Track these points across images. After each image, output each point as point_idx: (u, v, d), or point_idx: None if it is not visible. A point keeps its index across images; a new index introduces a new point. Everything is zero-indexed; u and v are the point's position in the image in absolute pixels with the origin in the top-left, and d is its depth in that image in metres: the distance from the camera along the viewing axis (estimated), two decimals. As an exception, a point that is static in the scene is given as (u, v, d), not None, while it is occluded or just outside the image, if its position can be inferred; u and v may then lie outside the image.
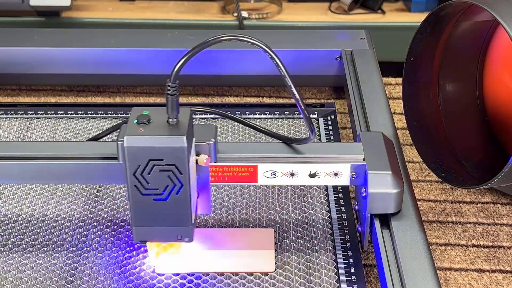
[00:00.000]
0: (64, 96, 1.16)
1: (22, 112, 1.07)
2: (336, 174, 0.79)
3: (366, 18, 1.41)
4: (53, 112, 1.07)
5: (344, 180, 0.79)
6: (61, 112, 1.07)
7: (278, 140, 0.82)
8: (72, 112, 1.07)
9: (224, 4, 1.45)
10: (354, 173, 0.78)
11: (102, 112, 1.07)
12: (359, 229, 0.82)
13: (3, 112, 1.07)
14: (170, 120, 0.71)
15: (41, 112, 1.07)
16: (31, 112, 1.07)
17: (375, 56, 1.10)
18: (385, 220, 0.78)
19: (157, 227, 0.74)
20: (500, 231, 0.88)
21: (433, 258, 0.74)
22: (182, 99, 1.15)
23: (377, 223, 0.78)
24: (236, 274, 0.79)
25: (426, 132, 0.94)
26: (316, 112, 1.07)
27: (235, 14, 1.40)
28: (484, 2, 0.80)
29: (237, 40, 0.72)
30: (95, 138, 0.90)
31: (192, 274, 0.79)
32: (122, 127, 0.73)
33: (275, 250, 0.82)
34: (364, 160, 0.79)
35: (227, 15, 1.42)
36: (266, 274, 0.79)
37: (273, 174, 0.79)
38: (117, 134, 1.00)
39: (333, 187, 0.92)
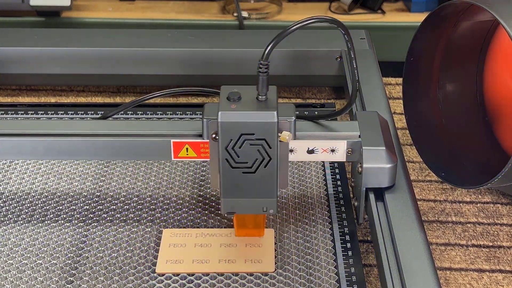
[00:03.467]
0: (64, 96, 1.16)
1: (22, 112, 1.07)
2: (333, 150, 0.82)
3: (366, 18, 1.41)
4: (53, 112, 1.07)
5: (340, 156, 0.82)
6: (61, 112, 1.07)
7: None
8: (72, 112, 1.07)
9: (224, 4, 1.45)
10: (350, 150, 0.81)
11: (102, 112, 1.06)
12: (355, 203, 0.84)
13: (3, 112, 1.07)
14: (260, 97, 0.75)
15: (41, 112, 1.07)
16: (31, 112, 1.07)
17: (375, 56, 1.10)
18: (380, 194, 0.81)
19: (244, 199, 0.78)
20: (500, 231, 0.88)
21: (433, 258, 0.74)
22: (182, 99, 1.16)
23: (371, 197, 0.81)
24: (236, 274, 0.79)
25: (426, 132, 0.94)
26: (316, 112, 1.07)
27: (235, 14, 1.40)
28: (484, 2, 0.80)
29: (333, 23, 0.76)
30: (104, 117, 0.91)
31: (192, 274, 0.79)
32: (206, 106, 0.78)
33: (275, 250, 0.82)
34: (359, 137, 0.81)
35: (227, 15, 1.42)
36: (266, 274, 0.79)
37: None
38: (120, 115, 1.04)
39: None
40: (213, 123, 0.76)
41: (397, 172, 0.82)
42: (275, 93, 0.76)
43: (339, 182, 0.92)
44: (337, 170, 0.94)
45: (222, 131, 0.74)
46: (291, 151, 0.81)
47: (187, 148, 0.81)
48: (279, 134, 0.77)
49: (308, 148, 0.82)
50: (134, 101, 0.91)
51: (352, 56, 0.79)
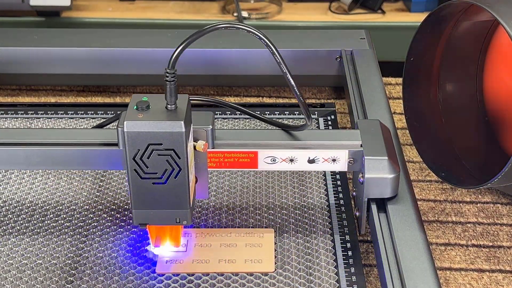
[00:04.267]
0: (64, 96, 1.16)
1: (22, 112, 1.07)
2: (334, 160, 0.81)
3: (366, 18, 1.41)
4: (53, 112, 1.07)
5: (341, 165, 0.81)
6: (61, 112, 1.07)
7: (277, 128, 0.83)
8: (72, 112, 1.07)
9: (224, 4, 1.45)
10: (351, 159, 0.80)
11: (102, 112, 1.07)
12: (357, 214, 0.83)
13: (3, 112, 1.07)
14: (169, 106, 0.73)
15: (41, 112, 1.07)
16: (31, 112, 1.07)
17: (375, 56, 1.10)
18: (382, 204, 0.80)
19: (157, 210, 0.76)
20: (500, 231, 0.88)
21: (433, 258, 0.74)
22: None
23: (374, 207, 0.80)
24: (236, 274, 0.79)
25: (426, 132, 0.94)
26: (316, 112, 1.07)
27: (235, 14, 1.40)
28: (484, 2, 0.80)
29: (233, 28, 0.73)
30: (100, 126, 0.91)
31: (192, 274, 0.79)
32: (122, 114, 0.76)
33: (275, 250, 0.82)
34: (361, 146, 0.80)
35: (227, 15, 1.42)
36: (266, 274, 0.79)
37: (273, 160, 0.81)
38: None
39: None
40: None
41: (400, 182, 0.81)
42: (186, 102, 0.74)
43: (339, 182, 0.93)
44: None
45: (129, 141, 0.72)
46: (291, 160, 0.81)
47: None
48: (194, 143, 0.76)
49: (309, 158, 0.80)
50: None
51: (279, 60, 0.74)
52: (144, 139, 0.72)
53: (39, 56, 1.12)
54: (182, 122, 0.71)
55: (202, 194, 0.81)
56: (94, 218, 0.87)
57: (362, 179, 0.79)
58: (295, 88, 0.76)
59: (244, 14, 1.39)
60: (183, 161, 0.73)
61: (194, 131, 0.77)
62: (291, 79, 0.75)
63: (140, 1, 1.48)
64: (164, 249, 0.81)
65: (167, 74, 0.72)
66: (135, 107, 0.73)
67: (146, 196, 0.75)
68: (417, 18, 1.40)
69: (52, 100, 1.15)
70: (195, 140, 0.77)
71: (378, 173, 0.78)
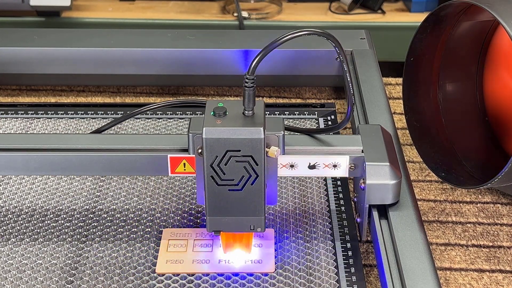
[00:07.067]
0: (64, 96, 1.16)
1: (22, 112, 1.07)
2: (335, 166, 0.80)
3: (366, 18, 1.41)
4: (53, 112, 1.07)
5: (342, 171, 0.80)
6: (61, 112, 1.07)
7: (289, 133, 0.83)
8: (72, 112, 1.07)
9: (224, 4, 1.45)
10: (352, 165, 0.80)
11: (102, 112, 1.07)
12: (358, 220, 0.83)
13: (3, 112, 1.07)
14: (246, 112, 0.72)
15: (41, 112, 1.07)
16: (31, 112, 1.07)
17: (375, 56, 1.10)
18: (383, 210, 0.79)
19: (231, 217, 0.75)
20: (500, 231, 0.88)
21: (433, 258, 0.74)
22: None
23: (375, 214, 0.79)
24: (236, 274, 0.79)
25: (426, 132, 0.94)
26: (316, 112, 1.07)
27: (235, 14, 1.40)
28: (484, 2, 0.80)
29: (315, 34, 0.74)
30: (99, 131, 0.90)
31: (192, 274, 0.79)
32: (192, 119, 0.75)
33: (275, 250, 0.82)
34: (362, 152, 0.80)
35: (227, 15, 1.42)
36: (266, 274, 0.79)
37: None
38: (119, 127, 1.02)
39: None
40: (198, 138, 0.73)
41: (402, 188, 0.80)
42: (262, 108, 0.73)
43: (339, 182, 0.93)
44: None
45: (207, 148, 0.71)
46: (292, 166, 0.80)
47: (184, 164, 0.79)
48: (267, 149, 0.75)
49: (310, 164, 0.80)
50: (127, 115, 0.90)
51: (346, 69, 0.75)
52: (222, 146, 0.71)
53: (39, 56, 1.12)
54: (261, 129, 0.71)
55: (272, 200, 0.79)
56: (94, 218, 0.87)
57: (363, 185, 0.78)
58: (352, 93, 0.76)
59: (244, 14, 1.39)
60: (260, 168, 0.73)
61: (266, 136, 0.75)
62: (351, 86, 0.76)
63: (140, 1, 1.48)
64: (234, 256, 0.80)
65: (247, 80, 0.71)
66: (212, 113, 0.72)
67: (221, 203, 0.74)
68: (417, 18, 1.40)
69: (52, 100, 1.15)
70: (267, 146, 0.76)
71: (379, 179, 0.78)
